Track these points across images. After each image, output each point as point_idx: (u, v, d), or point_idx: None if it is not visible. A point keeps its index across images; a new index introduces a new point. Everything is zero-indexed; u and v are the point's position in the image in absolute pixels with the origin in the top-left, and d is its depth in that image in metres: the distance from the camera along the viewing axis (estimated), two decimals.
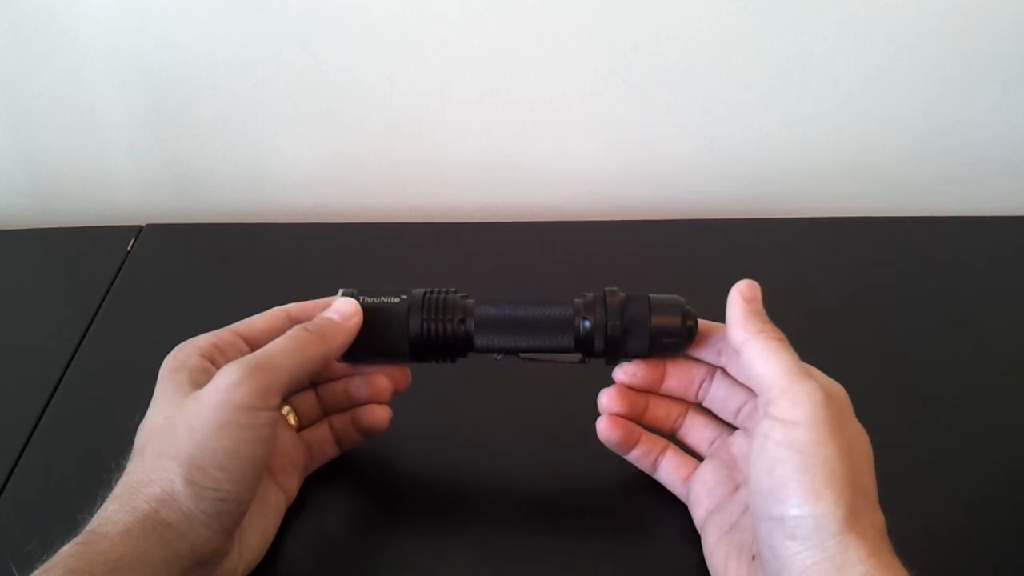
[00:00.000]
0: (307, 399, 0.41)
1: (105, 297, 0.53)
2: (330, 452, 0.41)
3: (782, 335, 0.34)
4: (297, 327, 0.36)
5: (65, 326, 0.51)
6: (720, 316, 0.37)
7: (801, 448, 0.30)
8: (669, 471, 0.40)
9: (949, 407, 0.46)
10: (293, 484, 0.39)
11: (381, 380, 0.40)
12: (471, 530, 0.39)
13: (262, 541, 0.36)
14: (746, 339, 0.34)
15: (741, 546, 0.34)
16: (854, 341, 0.50)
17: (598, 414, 0.39)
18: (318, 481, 0.41)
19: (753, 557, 0.33)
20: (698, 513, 0.38)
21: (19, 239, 0.59)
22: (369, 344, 0.37)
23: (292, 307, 0.39)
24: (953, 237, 0.59)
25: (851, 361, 0.48)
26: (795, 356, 0.33)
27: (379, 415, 0.40)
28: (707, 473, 0.38)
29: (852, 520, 0.29)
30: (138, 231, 0.59)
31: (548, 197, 0.65)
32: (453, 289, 0.39)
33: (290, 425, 0.40)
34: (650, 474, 0.40)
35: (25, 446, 0.43)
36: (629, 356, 0.38)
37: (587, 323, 0.37)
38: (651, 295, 0.37)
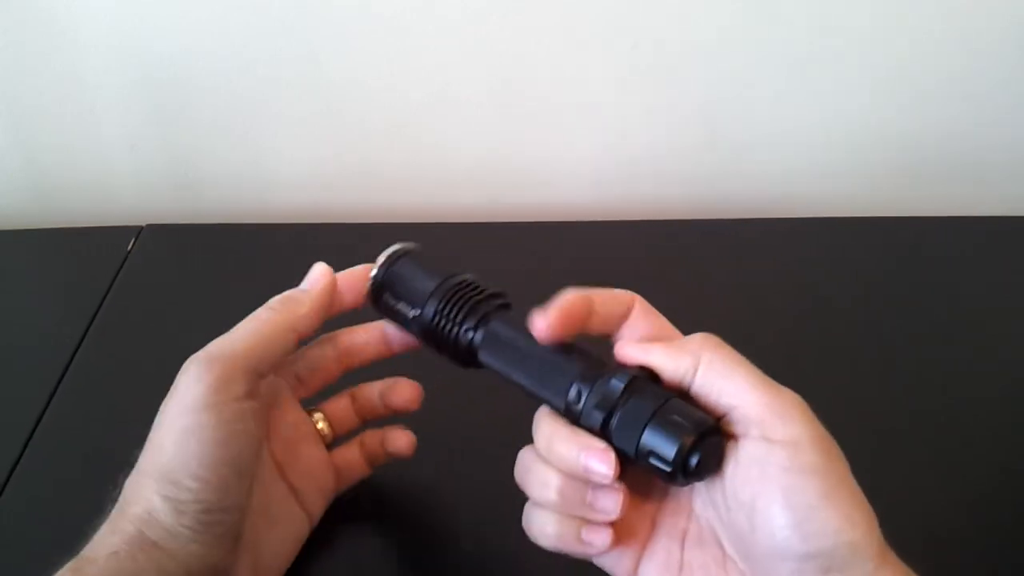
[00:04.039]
0: (341, 404, 0.39)
1: (105, 297, 0.53)
2: (359, 473, 0.39)
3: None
4: (262, 307, 0.34)
5: (65, 326, 0.51)
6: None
7: (815, 470, 0.27)
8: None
9: (948, 407, 0.46)
10: (318, 506, 0.37)
11: (409, 387, 0.38)
12: (471, 530, 0.39)
13: (278, 561, 0.35)
14: (698, 357, 0.29)
15: None
16: (854, 341, 0.50)
17: None
18: None
19: None
20: None
21: (19, 239, 0.59)
22: (395, 292, 0.36)
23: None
24: (953, 237, 0.59)
25: (851, 361, 0.49)
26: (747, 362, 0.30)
27: (403, 441, 0.38)
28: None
29: (880, 538, 0.27)
30: (138, 231, 0.59)
31: (548, 197, 0.65)
32: (497, 291, 0.36)
33: (320, 438, 0.37)
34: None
35: (25, 446, 0.43)
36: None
37: (577, 395, 0.31)
38: (669, 400, 0.29)
